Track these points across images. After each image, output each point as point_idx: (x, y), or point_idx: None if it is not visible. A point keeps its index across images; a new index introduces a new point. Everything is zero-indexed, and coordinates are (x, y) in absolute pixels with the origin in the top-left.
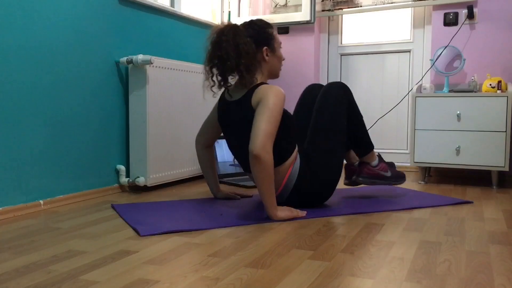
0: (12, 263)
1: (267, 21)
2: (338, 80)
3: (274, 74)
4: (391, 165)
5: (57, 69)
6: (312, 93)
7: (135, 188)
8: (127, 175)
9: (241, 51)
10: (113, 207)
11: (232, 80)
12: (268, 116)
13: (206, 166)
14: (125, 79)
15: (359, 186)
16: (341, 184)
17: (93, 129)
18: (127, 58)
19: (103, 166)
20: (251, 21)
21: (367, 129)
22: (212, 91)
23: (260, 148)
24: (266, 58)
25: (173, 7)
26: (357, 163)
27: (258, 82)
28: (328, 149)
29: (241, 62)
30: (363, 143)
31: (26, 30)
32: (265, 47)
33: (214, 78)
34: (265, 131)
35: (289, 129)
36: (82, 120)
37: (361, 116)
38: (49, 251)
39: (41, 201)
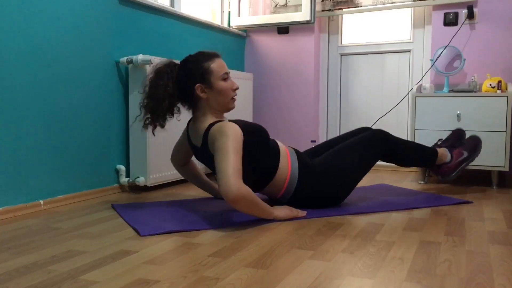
0: (12, 263)
1: (206, 53)
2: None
3: (222, 109)
4: (459, 139)
5: (57, 69)
6: (355, 132)
7: (135, 188)
8: (127, 175)
9: (154, 93)
10: (113, 207)
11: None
12: (225, 157)
13: (193, 180)
14: (125, 79)
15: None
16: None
17: (93, 129)
18: (127, 58)
19: (103, 166)
20: (186, 58)
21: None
22: (146, 129)
23: (232, 191)
24: (202, 95)
25: (173, 7)
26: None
27: (210, 121)
28: (338, 166)
29: (148, 103)
30: (425, 161)
31: (26, 30)
32: (197, 84)
33: (147, 116)
34: (228, 171)
35: (261, 147)
36: (82, 120)
37: (408, 146)
38: (49, 251)
39: (41, 201)
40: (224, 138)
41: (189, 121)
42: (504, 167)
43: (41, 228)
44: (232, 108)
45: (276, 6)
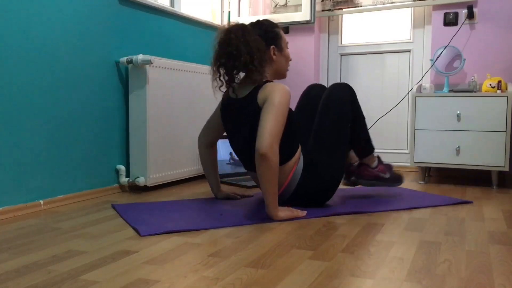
0: (12, 263)
1: (272, 21)
2: (340, 81)
3: (281, 74)
4: (389, 167)
5: (57, 69)
6: (312, 93)
7: (135, 188)
8: (127, 175)
9: (252, 47)
10: (113, 207)
11: (237, 79)
12: (275, 115)
13: (208, 166)
14: (125, 79)
15: (357, 186)
16: (340, 184)
17: (93, 129)
18: (127, 58)
19: (103, 166)
20: (258, 21)
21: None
22: (221, 91)
23: (267, 148)
24: (274, 57)
25: (173, 7)
26: (356, 163)
27: (266, 78)
28: (331, 150)
29: (254, 58)
30: (364, 145)
31: (26, 30)
32: (272, 46)
33: (222, 78)
34: (272, 130)
35: (294, 129)
36: (82, 120)
37: (364, 118)
38: (49, 251)
39: (41, 201)
40: (282, 98)
41: (233, 84)
42: (504, 167)
43: (41, 228)
44: (286, 76)
45: (276, 6)
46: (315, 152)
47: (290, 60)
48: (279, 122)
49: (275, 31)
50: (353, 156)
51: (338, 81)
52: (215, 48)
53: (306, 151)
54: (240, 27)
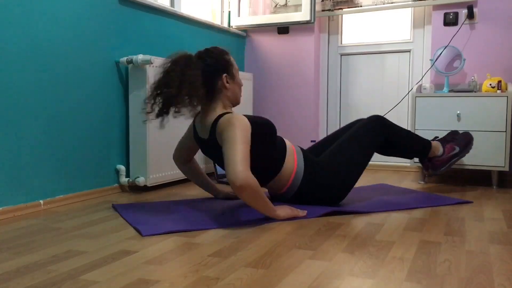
0: (12, 263)
1: (223, 48)
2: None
3: (235, 101)
4: (454, 140)
5: (57, 69)
6: (354, 123)
7: (135, 188)
8: (127, 175)
9: (185, 80)
10: (113, 207)
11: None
12: (234, 146)
13: (195, 178)
14: (125, 79)
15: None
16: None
17: (93, 129)
18: (127, 58)
19: (103, 166)
20: (207, 49)
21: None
22: (148, 118)
23: (239, 178)
24: (227, 85)
25: (173, 7)
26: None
27: (219, 112)
28: (343, 161)
29: (180, 92)
30: (418, 152)
31: (26, 30)
32: (225, 75)
33: (155, 106)
34: (238, 159)
35: (268, 141)
36: (82, 120)
37: (405, 134)
38: (49, 251)
39: (41, 201)
40: (233, 128)
41: (196, 115)
42: (504, 167)
43: (41, 228)
44: (239, 103)
45: (276, 6)
46: (325, 156)
47: (242, 85)
48: (242, 150)
49: (225, 58)
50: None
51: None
52: (159, 75)
53: (316, 155)
54: (185, 58)
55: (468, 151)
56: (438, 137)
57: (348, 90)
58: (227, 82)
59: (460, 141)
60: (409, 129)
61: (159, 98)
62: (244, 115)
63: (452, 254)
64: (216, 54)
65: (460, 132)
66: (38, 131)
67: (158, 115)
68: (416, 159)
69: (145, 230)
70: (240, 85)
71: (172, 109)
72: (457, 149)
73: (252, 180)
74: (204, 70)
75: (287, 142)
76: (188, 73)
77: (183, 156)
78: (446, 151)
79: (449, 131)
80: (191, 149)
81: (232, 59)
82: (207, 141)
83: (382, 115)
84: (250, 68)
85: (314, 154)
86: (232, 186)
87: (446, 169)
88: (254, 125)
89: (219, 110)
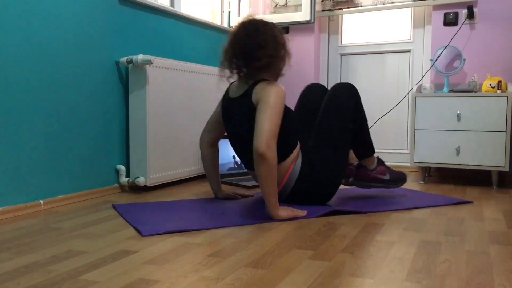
0: (12, 263)
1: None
2: (340, 81)
3: (279, 76)
4: (390, 168)
5: (57, 69)
6: (312, 92)
7: (135, 188)
8: (127, 175)
9: (279, 43)
10: (114, 207)
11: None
12: (270, 114)
13: (210, 166)
14: (125, 79)
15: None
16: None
17: (93, 129)
18: (127, 58)
19: (103, 166)
20: (273, 24)
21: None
22: (228, 81)
23: (264, 147)
24: (286, 60)
25: (173, 7)
26: (355, 163)
27: (262, 77)
28: (332, 149)
29: (277, 54)
30: (364, 146)
31: (26, 30)
32: (283, 49)
33: (235, 69)
34: (268, 130)
35: (291, 126)
36: (82, 120)
37: (366, 119)
38: (49, 251)
39: (41, 201)
40: (276, 97)
41: (233, 81)
42: (504, 167)
43: (41, 228)
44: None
45: (276, 6)
46: (315, 151)
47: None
48: (274, 122)
49: (283, 36)
50: (353, 156)
51: (339, 81)
52: (233, 39)
53: (305, 149)
54: (264, 22)
55: (394, 186)
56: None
57: None
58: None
59: (394, 174)
60: (409, 129)
61: (239, 60)
62: None
63: (452, 254)
64: (278, 29)
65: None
66: (38, 131)
67: (239, 77)
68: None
69: (145, 230)
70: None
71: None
72: (387, 176)
73: (274, 155)
74: (273, 36)
75: (299, 144)
76: (278, 35)
77: (211, 136)
78: (378, 170)
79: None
80: (219, 128)
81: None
82: (239, 99)
83: (352, 84)
84: None
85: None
86: (254, 152)
87: (363, 187)
88: (286, 107)
89: (263, 76)
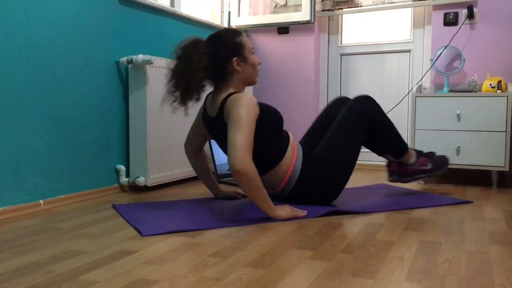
0: (12, 263)
1: (235, 29)
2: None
3: (250, 82)
4: (429, 155)
5: (57, 69)
6: (336, 105)
7: (135, 188)
8: (127, 175)
9: (193, 67)
10: (114, 207)
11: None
12: (239, 128)
13: (201, 171)
14: (125, 79)
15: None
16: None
17: (93, 129)
18: (127, 58)
19: (103, 166)
20: (218, 33)
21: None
22: (172, 107)
23: (239, 164)
24: (238, 68)
25: (173, 7)
26: (395, 160)
27: (230, 91)
28: (339, 156)
29: (182, 78)
30: (396, 148)
31: (26, 30)
32: (235, 58)
33: (177, 93)
34: (239, 144)
35: (273, 129)
36: (82, 120)
37: (390, 124)
38: (49, 251)
39: (41, 201)
40: (241, 109)
41: (208, 95)
42: (504, 167)
43: (41, 228)
44: (257, 82)
45: (276, 6)
46: (322, 156)
47: (259, 63)
48: (245, 134)
49: (236, 41)
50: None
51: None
52: (173, 62)
53: (313, 152)
54: (191, 43)
55: (439, 173)
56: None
57: (348, 90)
58: (239, 65)
59: (435, 160)
60: (409, 129)
61: (175, 86)
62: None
63: (452, 254)
64: (226, 38)
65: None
66: (38, 131)
67: (181, 103)
68: (384, 161)
69: (146, 230)
70: (254, 65)
71: (193, 96)
72: (430, 165)
73: (251, 168)
74: (214, 55)
75: (291, 138)
76: (194, 58)
77: (194, 144)
78: (418, 162)
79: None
80: (202, 135)
81: (244, 40)
82: (215, 119)
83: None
84: None
85: (309, 145)
86: (231, 170)
87: (408, 182)
88: (262, 110)
89: (230, 90)
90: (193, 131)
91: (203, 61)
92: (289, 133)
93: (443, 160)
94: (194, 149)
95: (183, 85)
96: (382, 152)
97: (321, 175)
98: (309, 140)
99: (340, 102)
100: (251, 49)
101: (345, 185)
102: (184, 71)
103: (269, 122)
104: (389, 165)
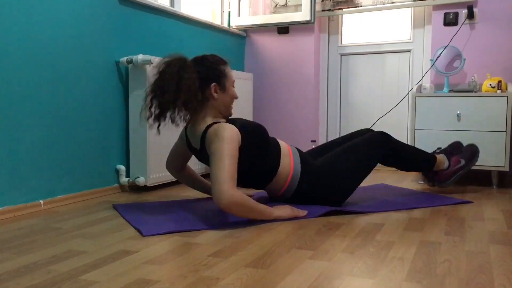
0: (12, 263)
1: (222, 58)
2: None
3: (223, 112)
4: (457, 148)
5: (57, 69)
6: (357, 133)
7: (135, 188)
8: (127, 175)
9: (182, 85)
10: (114, 207)
11: (171, 116)
12: (219, 162)
13: (191, 183)
14: (125, 79)
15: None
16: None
17: (93, 129)
18: (127, 58)
19: (103, 166)
20: (204, 56)
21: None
22: (147, 122)
23: (224, 199)
24: (215, 95)
25: (173, 7)
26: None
27: (208, 122)
28: (343, 162)
29: (178, 97)
30: (421, 167)
31: (26, 30)
32: (213, 84)
33: (152, 109)
34: (223, 178)
35: (260, 147)
36: (82, 120)
37: (404, 148)
38: (49, 251)
39: (41, 201)
40: (220, 142)
41: (187, 124)
42: (504, 167)
43: (41, 228)
44: (231, 114)
45: (276, 6)
46: (323, 164)
47: (236, 98)
48: (228, 166)
49: (219, 68)
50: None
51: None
52: (154, 77)
53: (315, 158)
54: (179, 61)
55: (474, 164)
56: (440, 148)
57: (348, 90)
58: (216, 92)
59: (466, 153)
60: (409, 129)
61: (155, 101)
62: (235, 120)
63: (452, 254)
64: (210, 62)
65: (465, 145)
66: (38, 131)
67: (155, 120)
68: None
69: (146, 230)
70: (232, 98)
71: (168, 114)
72: (463, 162)
73: (238, 197)
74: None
75: (282, 144)
76: (185, 76)
77: (176, 165)
78: (452, 164)
79: (452, 142)
80: (184, 157)
81: (227, 70)
82: (200, 151)
83: (385, 132)
84: (250, 68)
85: (313, 156)
86: (218, 206)
87: (454, 181)
88: (244, 134)
89: (208, 120)
90: (175, 153)
91: (195, 81)
92: (278, 140)
93: (473, 149)
94: (177, 169)
95: (166, 102)
96: (415, 171)
97: (321, 179)
98: (318, 151)
99: (363, 132)
100: (232, 82)
101: (351, 193)
102: (180, 89)
103: (253, 142)
104: (425, 175)
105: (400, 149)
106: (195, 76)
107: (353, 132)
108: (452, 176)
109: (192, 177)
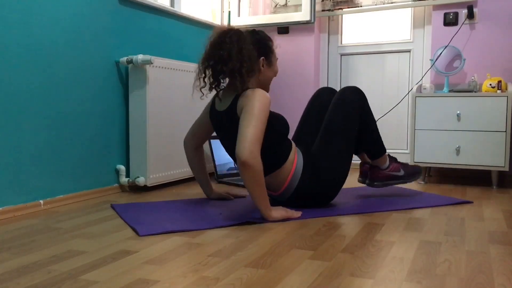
0: (12, 263)
1: (267, 34)
2: (340, 81)
3: (265, 86)
4: (405, 163)
5: (57, 69)
6: (322, 95)
7: (135, 188)
8: (127, 175)
9: (244, 55)
10: (112, 207)
11: (223, 84)
12: (252, 120)
13: (197, 169)
14: (125, 79)
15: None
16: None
17: (93, 129)
18: (127, 58)
19: (103, 166)
20: (254, 30)
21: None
22: (201, 92)
23: (246, 154)
24: (262, 68)
25: (173, 7)
26: (369, 164)
27: (249, 87)
28: (336, 152)
29: (243, 66)
30: (374, 148)
31: (26, 29)
32: (262, 58)
33: (206, 79)
34: (250, 136)
35: (280, 131)
36: (82, 120)
37: (374, 120)
38: (49, 251)
39: (41, 201)
40: (256, 101)
41: (219, 91)
42: (504, 167)
43: (41, 228)
44: (268, 91)
45: (276, 6)
46: (319, 154)
47: (276, 73)
48: (257, 128)
49: (268, 44)
50: (366, 157)
51: (339, 82)
52: (206, 47)
53: (309, 151)
54: (236, 32)
55: (410, 181)
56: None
57: None
58: (263, 66)
59: (408, 168)
60: (409, 129)
61: (212, 69)
62: None
63: (452, 254)
64: (261, 37)
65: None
66: (38, 131)
67: (210, 89)
68: (357, 161)
69: (142, 230)
70: (275, 73)
71: (223, 82)
72: (402, 172)
73: (258, 161)
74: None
75: (293, 144)
76: (245, 46)
77: (194, 140)
78: (391, 167)
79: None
80: (205, 132)
81: (274, 46)
82: (224, 113)
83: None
84: None
85: (303, 144)
86: (237, 160)
87: (381, 187)
88: (272, 116)
89: (248, 86)
90: (197, 126)
91: (253, 51)
92: (291, 140)
93: (416, 169)
94: (194, 145)
95: (230, 70)
96: (359, 150)
97: (321, 176)
98: (302, 137)
99: (326, 93)
100: (276, 59)
101: (345, 179)
102: (241, 58)
103: (276, 129)
104: (361, 165)
105: (371, 113)
106: (252, 47)
107: (319, 90)
108: (384, 179)
109: (201, 162)
